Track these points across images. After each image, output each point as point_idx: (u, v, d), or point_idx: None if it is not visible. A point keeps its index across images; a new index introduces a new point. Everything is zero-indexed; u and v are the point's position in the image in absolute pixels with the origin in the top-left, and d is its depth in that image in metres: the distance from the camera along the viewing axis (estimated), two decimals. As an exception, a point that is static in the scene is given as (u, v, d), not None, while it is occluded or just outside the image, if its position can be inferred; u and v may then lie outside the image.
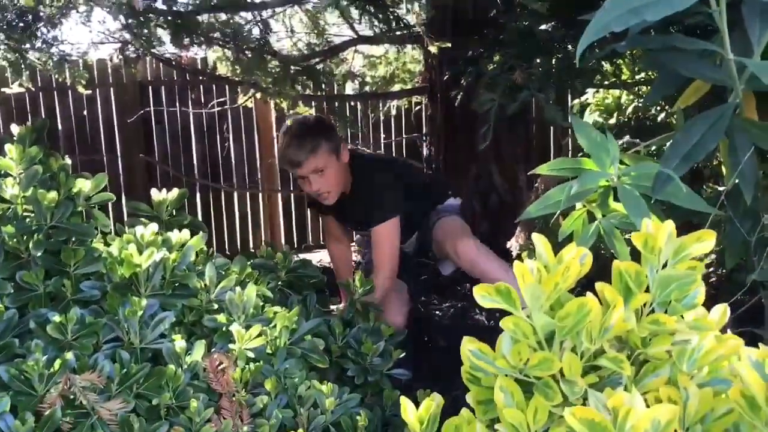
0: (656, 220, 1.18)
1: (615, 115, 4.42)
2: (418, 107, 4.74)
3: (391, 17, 2.90)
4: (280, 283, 2.10)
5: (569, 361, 0.83)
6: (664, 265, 0.88)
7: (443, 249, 2.68)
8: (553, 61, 2.07)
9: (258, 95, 3.80)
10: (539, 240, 0.92)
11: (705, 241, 0.88)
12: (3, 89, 4.37)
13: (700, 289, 0.89)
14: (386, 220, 2.54)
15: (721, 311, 0.95)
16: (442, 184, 3.36)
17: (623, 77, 3.92)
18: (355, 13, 2.69)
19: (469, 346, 0.90)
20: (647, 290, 0.88)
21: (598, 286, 0.87)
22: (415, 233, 2.92)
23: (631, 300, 0.86)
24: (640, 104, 3.96)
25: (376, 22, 3.05)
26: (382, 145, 4.86)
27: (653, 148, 1.62)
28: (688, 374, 0.85)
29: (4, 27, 2.62)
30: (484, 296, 0.85)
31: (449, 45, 2.61)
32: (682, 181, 1.18)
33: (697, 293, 0.89)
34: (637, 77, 3.73)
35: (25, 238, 1.69)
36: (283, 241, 4.90)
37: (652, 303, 0.88)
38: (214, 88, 4.73)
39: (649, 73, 3.90)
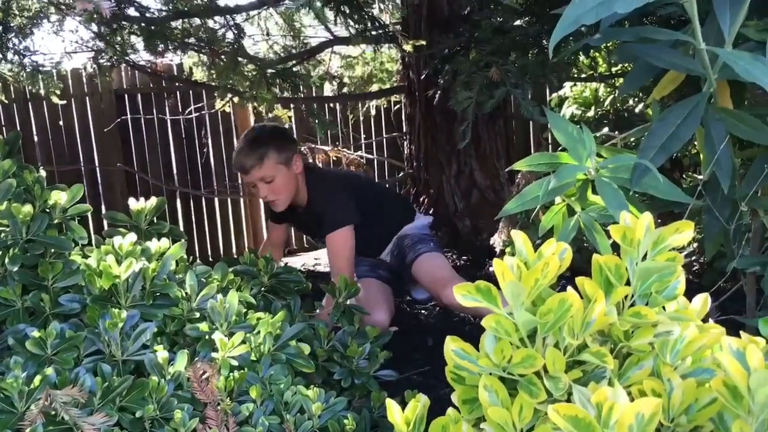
0: (635, 211, 1.19)
1: (593, 107, 4.44)
2: (398, 106, 4.73)
3: (366, 17, 2.89)
4: (263, 288, 2.09)
5: (552, 357, 0.82)
6: (644, 258, 0.87)
7: (427, 288, 2.78)
8: (529, 56, 2.07)
9: (235, 99, 3.78)
10: (518, 236, 0.91)
11: (683, 232, 0.88)
12: (-25, 101, 4.32)
13: (680, 280, 0.89)
14: (339, 228, 2.59)
15: (702, 300, 0.95)
16: (408, 202, 3.41)
17: (600, 70, 3.95)
18: (330, 14, 2.68)
19: (452, 345, 0.89)
20: (628, 283, 0.88)
21: (579, 280, 0.87)
22: (387, 248, 2.97)
23: (612, 293, 0.86)
24: (617, 96, 3.98)
25: (351, 23, 3.04)
26: (363, 145, 4.84)
27: (631, 140, 1.62)
28: (671, 365, 0.85)
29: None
30: (464, 295, 0.84)
31: (424, 44, 2.62)
32: (662, 171, 1.18)
33: (678, 284, 0.89)
34: (614, 69, 3.75)
35: (0, 253, 1.66)
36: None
37: (633, 296, 0.87)
38: (191, 93, 4.70)
39: (626, 65, 3.92)
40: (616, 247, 0.95)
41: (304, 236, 4.79)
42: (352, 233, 2.61)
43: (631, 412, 0.68)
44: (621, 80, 3.79)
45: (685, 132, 1.18)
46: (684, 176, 3.55)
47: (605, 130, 3.41)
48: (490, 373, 0.86)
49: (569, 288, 0.84)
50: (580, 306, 0.83)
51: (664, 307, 0.90)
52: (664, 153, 1.19)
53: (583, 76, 3.68)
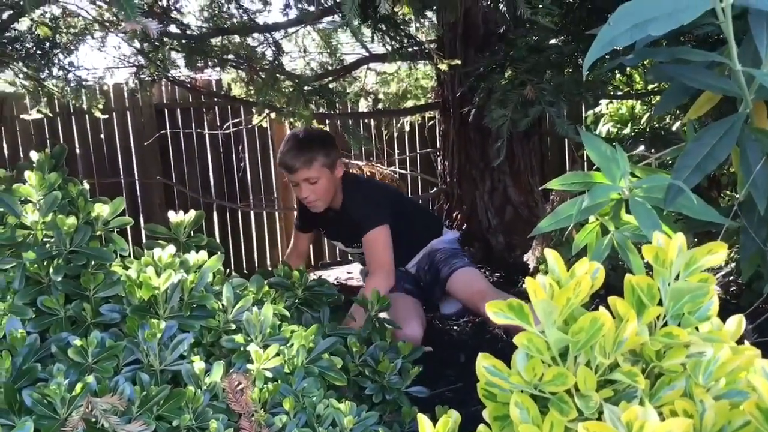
0: (669, 231, 1.19)
1: (629, 124, 4.41)
2: (432, 122, 4.76)
3: (403, 35, 2.93)
4: (296, 301, 2.11)
5: (584, 375, 0.83)
6: (677, 278, 0.88)
7: (465, 302, 2.83)
8: (564, 74, 2.08)
9: (272, 115, 3.84)
10: (551, 255, 0.92)
11: (716, 253, 0.88)
12: (22, 115, 4.45)
13: (713, 301, 0.89)
14: (376, 226, 2.68)
15: (737, 322, 0.95)
16: (436, 217, 3.45)
17: (636, 87, 3.93)
18: (366, 31, 2.72)
19: (484, 362, 0.90)
20: (660, 303, 0.88)
21: (611, 299, 0.88)
22: (413, 260, 3.03)
23: (644, 313, 0.86)
24: (653, 115, 3.95)
25: (387, 40, 3.08)
26: (397, 161, 4.88)
27: (667, 159, 1.62)
28: (704, 387, 0.85)
29: (23, 56, 2.68)
30: (496, 313, 0.85)
31: (459, 63, 2.64)
32: (698, 189, 1.18)
33: (710, 305, 0.89)
34: (650, 87, 3.72)
35: (45, 263, 1.72)
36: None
37: (665, 316, 0.88)
38: (229, 108, 4.79)
39: (662, 83, 3.90)
40: (650, 266, 0.95)
41: (337, 249, 4.83)
42: (388, 231, 2.69)
43: (661, 431, 0.69)
44: (657, 97, 3.76)
45: (721, 152, 1.18)
46: (722, 195, 3.51)
47: (641, 148, 3.39)
48: (522, 391, 0.86)
49: (601, 307, 0.85)
50: (611, 325, 0.83)
51: (697, 328, 0.90)
52: (698, 173, 1.19)
53: (619, 93, 3.66)
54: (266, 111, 3.72)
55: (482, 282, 2.85)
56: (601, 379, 0.85)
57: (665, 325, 0.88)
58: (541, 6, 1.75)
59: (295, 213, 3.15)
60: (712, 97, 1.37)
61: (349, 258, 3.09)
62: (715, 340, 0.85)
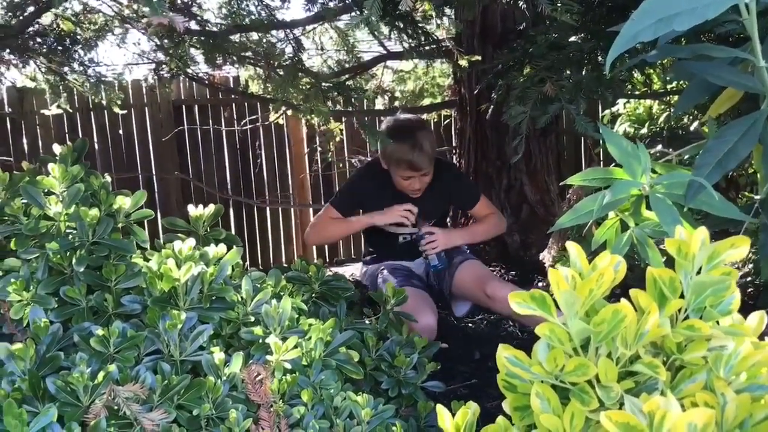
0: (689, 228, 1.19)
1: (646, 125, 4.39)
2: (448, 120, 4.76)
3: (420, 33, 2.93)
4: (313, 295, 2.13)
5: (605, 366, 0.83)
6: (698, 272, 0.88)
7: (472, 290, 2.90)
8: (583, 72, 2.08)
9: (289, 112, 3.86)
10: (573, 248, 0.93)
11: (739, 247, 0.88)
12: (42, 110, 4.50)
13: (735, 295, 0.89)
14: (481, 194, 3.10)
15: (759, 318, 0.95)
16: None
17: (654, 87, 3.91)
18: (384, 29, 2.73)
19: (504, 353, 0.91)
20: (682, 297, 0.88)
21: (633, 292, 0.88)
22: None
23: (666, 306, 0.86)
24: (671, 114, 3.93)
25: (405, 37, 3.08)
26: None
27: (686, 157, 1.61)
28: (725, 380, 0.85)
29: (45, 50, 2.71)
30: (519, 303, 0.86)
31: (479, 58, 2.64)
32: (717, 189, 1.18)
33: (732, 299, 0.89)
34: (668, 87, 3.71)
35: (68, 254, 1.74)
36: (315, 255, 4.94)
37: (686, 309, 0.88)
38: (246, 106, 4.81)
39: (681, 82, 3.88)
40: (668, 265, 0.96)
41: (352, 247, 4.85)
42: None
43: (683, 421, 0.69)
44: (675, 97, 3.74)
45: (743, 149, 1.17)
46: (740, 196, 3.49)
47: (659, 147, 3.37)
48: (542, 381, 0.87)
49: (623, 299, 0.86)
50: (633, 317, 0.84)
51: (718, 322, 0.90)
52: (719, 170, 1.18)
53: (637, 93, 3.65)
54: (283, 108, 3.73)
55: (488, 271, 3.07)
56: (622, 371, 0.85)
57: (686, 318, 0.88)
58: (560, 4, 1.75)
59: (339, 193, 3.24)
60: (733, 95, 1.37)
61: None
62: (737, 333, 0.85)
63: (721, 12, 0.97)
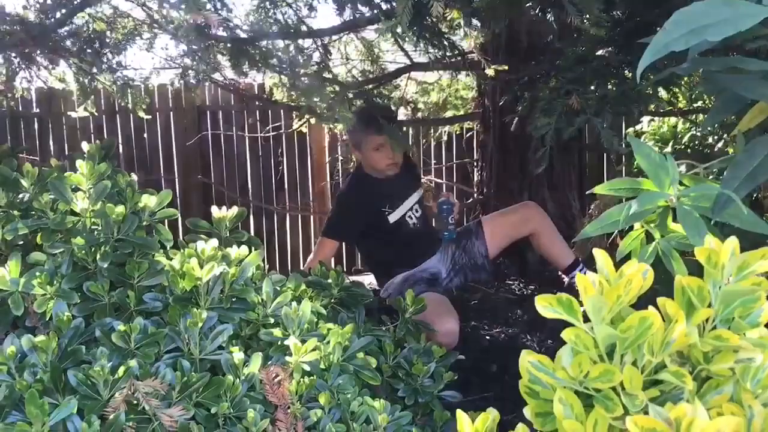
0: (718, 241, 1.18)
1: (670, 143, 4.37)
2: (470, 133, 4.76)
3: (446, 43, 2.94)
4: (332, 300, 2.13)
5: (630, 374, 0.83)
6: (727, 282, 0.87)
7: (510, 233, 3.19)
8: (610, 86, 2.07)
9: (313, 120, 3.88)
10: (600, 255, 0.92)
11: (769, 259, 0.87)
12: (69, 112, 4.56)
13: (764, 307, 0.88)
14: None
15: (787, 332, 0.94)
16: None
17: (679, 105, 3.89)
18: (411, 38, 2.75)
19: (528, 357, 0.90)
20: (710, 306, 0.87)
21: (660, 300, 0.88)
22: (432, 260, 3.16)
23: (694, 315, 0.86)
24: (696, 132, 3.90)
25: (430, 48, 3.10)
26: (433, 169, 4.89)
27: (714, 169, 1.61)
28: (752, 392, 0.84)
29: (75, 50, 2.75)
30: (545, 307, 0.86)
31: (506, 68, 2.65)
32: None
33: (761, 311, 0.88)
34: (694, 105, 3.69)
35: (92, 250, 1.76)
36: (333, 264, 4.95)
37: (714, 319, 0.87)
38: (269, 112, 4.84)
39: (706, 101, 3.85)
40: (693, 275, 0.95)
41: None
42: None
43: (711, 428, 0.69)
44: (701, 116, 3.72)
45: (773, 164, 1.17)
46: (764, 217, 3.44)
47: (683, 167, 3.35)
48: (565, 387, 0.87)
49: (651, 306, 0.85)
50: (660, 325, 0.83)
51: (745, 334, 0.89)
52: (748, 184, 1.18)
53: (662, 110, 3.63)
54: (307, 116, 3.75)
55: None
56: (647, 379, 0.85)
57: (714, 328, 0.87)
58: (588, 17, 1.75)
59: (330, 223, 3.18)
60: (764, 109, 1.36)
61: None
62: (766, 346, 0.84)
63: (755, 23, 0.97)
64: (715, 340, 0.84)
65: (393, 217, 3.06)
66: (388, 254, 3.18)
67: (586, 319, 0.87)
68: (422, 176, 3.34)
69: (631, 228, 1.32)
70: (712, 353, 0.86)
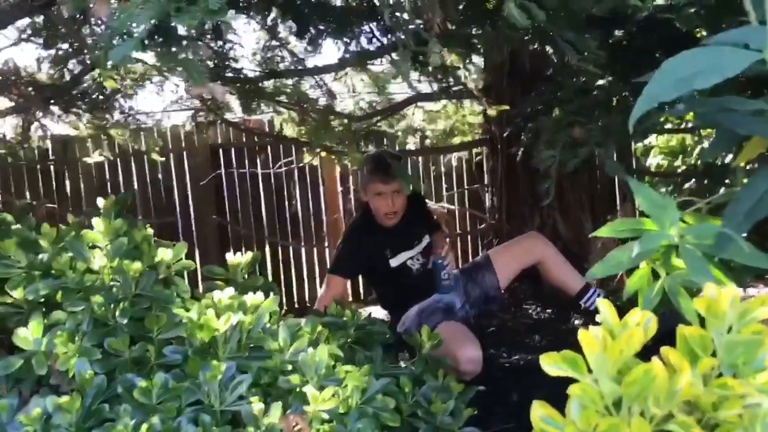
0: (721, 277, 1.19)
1: (680, 157, 4.37)
2: (479, 157, 4.79)
3: (450, 76, 2.99)
4: (349, 339, 2.15)
5: (638, 426, 0.84)
6: (729, 330, 0.89)
7: (518, 262, 3.23)
8: (612, 115, 2.09)
9: (323, 154, 3.93)
10: (604, 305, 0.94)
11: (769, 305, 0.89)
12: (84, 158, 4.65)
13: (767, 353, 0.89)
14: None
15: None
16: None
17: (687, 119, 3.89)
18: (414, 75, 2.79)
19: (539, 411, 0.92)
20: (713, 354, 0.89)
21: (664, 350, 0.89)
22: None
23: (698, 364, 0.87)
24: (704, 157, 3.90)
25: (434, 80, 3.15)
26: (445, 196, 4.91)
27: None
28: (760, 438, 0.86)
29: (88, 106, 2.82)
30: (550, 365, 0.88)
31: (507, 108, 2.68)
32: (749, 239, 1.18)
33: (766, 356, 0.89)
34: (701, 121, 3.69)
35: (111, 306, 1.80)
36: (350, 293, 4.97)
37: (719, 366, 0.89)
38: (280, 148, 4.90)
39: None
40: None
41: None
42: None
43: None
44: (709, 130, 3.72)
45: (773, 198, 1.18)
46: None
47: (692, 181, 3.35)
48: (576, 440, 0.88)
49: (654, 358, 0.87)
50: (665, 376, 0.85)
51: (753, 379, 0.90)
52: (749, 220, 1.19)
53: (669, 127, 3.64)
54: (317, 150, 3.81)
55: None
56: (656, 430, 0.86)
57: (720, 375, 0.89)
58: (586, 54, 1.77)
59: (337, 259, 3.18)
60: (761, 142, 1.37)
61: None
62: (770, 391, 0.86)
63: (742, 69, 0.99)
64: (721, 388, 0.85)
65: (394, 262, 3.09)
66: (392, 294, 3.21)
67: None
68: (435, 220, 3.43)
69: (638, 265, 1.33)
70: (719, 401, 0.87)
